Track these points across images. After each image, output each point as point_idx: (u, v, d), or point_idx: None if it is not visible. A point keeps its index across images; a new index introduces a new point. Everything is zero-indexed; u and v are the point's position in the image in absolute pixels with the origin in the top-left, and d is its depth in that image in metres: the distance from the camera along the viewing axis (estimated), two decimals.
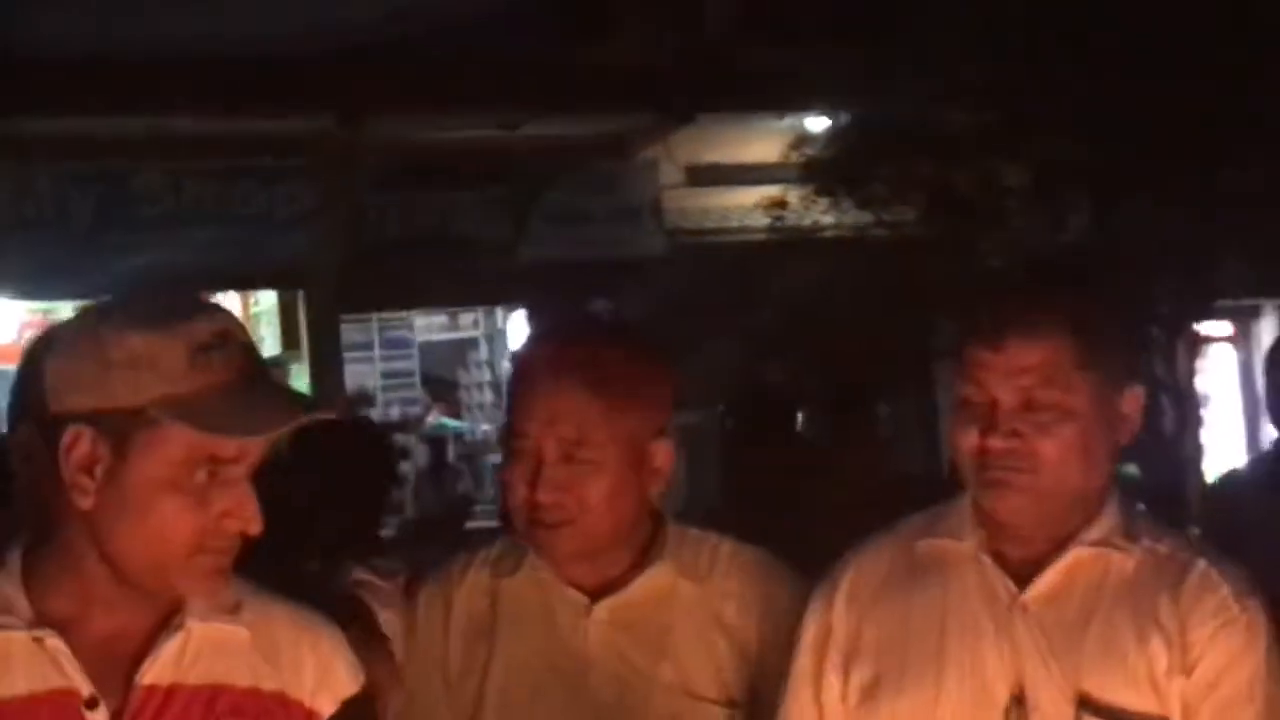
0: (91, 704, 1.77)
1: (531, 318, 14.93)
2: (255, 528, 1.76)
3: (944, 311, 10.07)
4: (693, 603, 2.30)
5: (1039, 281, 2.17)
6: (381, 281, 13.38)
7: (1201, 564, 2.07)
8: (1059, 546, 2.07)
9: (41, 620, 1.77)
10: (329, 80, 11.77)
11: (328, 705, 1.86)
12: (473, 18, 10.87)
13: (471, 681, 2.31)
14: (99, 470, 1.72)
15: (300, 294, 13.80)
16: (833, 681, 2.18)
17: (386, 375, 15.49)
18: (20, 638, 1.76)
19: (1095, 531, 2.08)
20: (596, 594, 2.28)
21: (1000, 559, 2.09)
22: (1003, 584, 2.08)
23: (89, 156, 12.72)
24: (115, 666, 1.78)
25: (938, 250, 10.37)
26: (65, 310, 13.57)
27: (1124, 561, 2.07)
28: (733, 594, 2.32)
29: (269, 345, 14.52)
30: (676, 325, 13.61)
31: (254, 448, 1.75)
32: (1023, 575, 2.08)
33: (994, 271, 10.16)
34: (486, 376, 15.08)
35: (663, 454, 2.30)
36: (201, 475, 1.73)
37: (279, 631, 1.86)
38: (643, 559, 2.30)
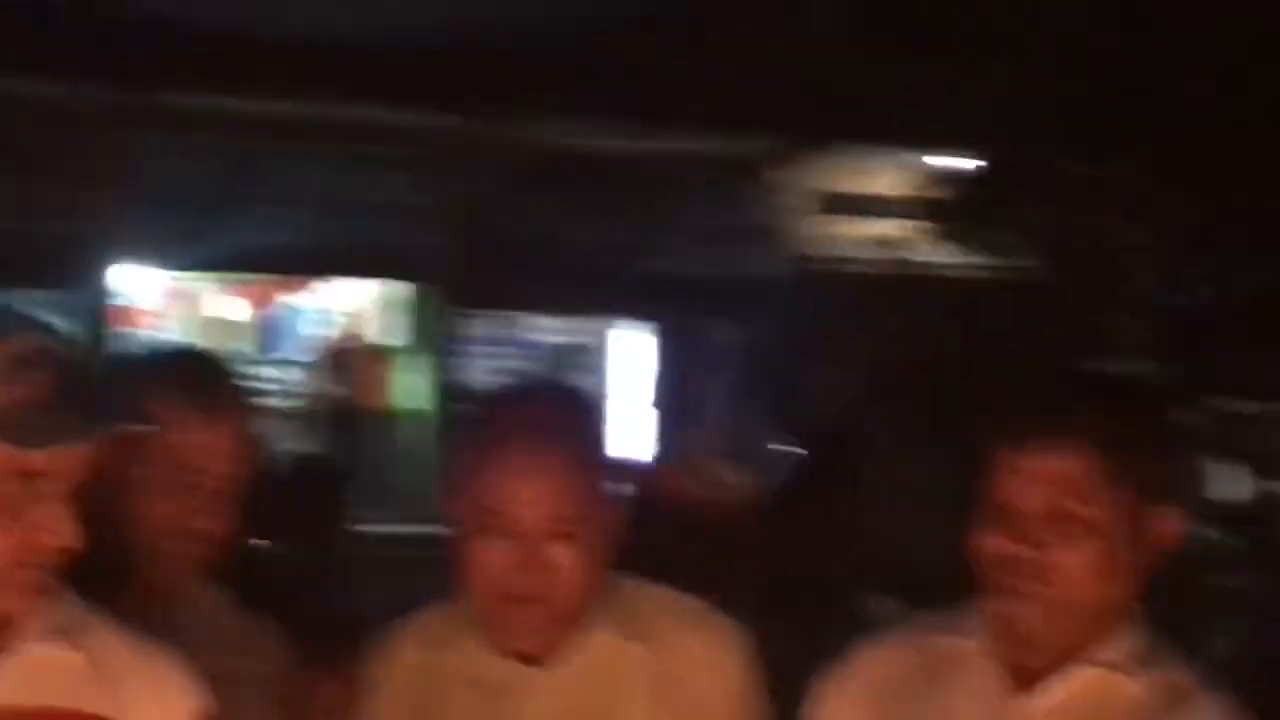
0: None
1: (652, 332, 14.91)
2: (72, 543, 1.72)
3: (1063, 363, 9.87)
4: (636, 663, 2.20)
5: (1074, 392, 2.14)
6: (499, 281, 13.41)
7: (1200, 699, 2.01)
8: (1069, 659, 2.04)
9: None
10: (459, 76, 11.83)
11: None
12: (598, 26, 10.85)
13: None
14: None
15: (416, 287, 13.89)
16: None
17: (496, 373, 15.54)
18: None
19: (1106, 652, 2.04)
20: (538, 663, 2.17)
21: (1009, 663, 2.06)
22: (1004, 692, 2.05)
23: (222, 134, 12.91)
24: None
25: (1058, 300, 10.18)
26: (202, 281, 13.90)
27: (1129, 688, 2.03)
28: (678, 650, 2.21)
29: (381, 334, 14.65)
30: (794, 353, 13.52)
31: (67, 463, 1.71)
32: (1030, 682, 2.05)
33: (1120, 325, 9.97)
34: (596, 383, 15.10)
35: (618, 516, 2.19)
36: (13, 488, 1.69)
37: (114, 657, 1.82)
38: (584, 621, 2.18)
